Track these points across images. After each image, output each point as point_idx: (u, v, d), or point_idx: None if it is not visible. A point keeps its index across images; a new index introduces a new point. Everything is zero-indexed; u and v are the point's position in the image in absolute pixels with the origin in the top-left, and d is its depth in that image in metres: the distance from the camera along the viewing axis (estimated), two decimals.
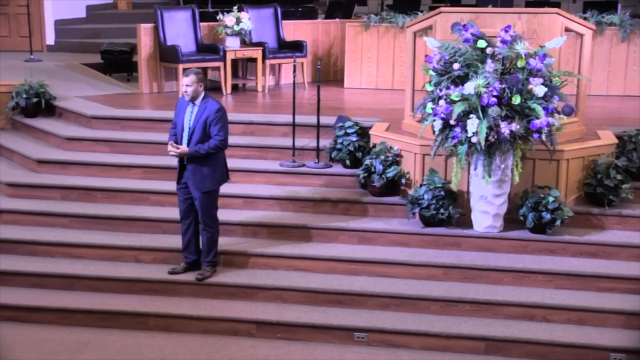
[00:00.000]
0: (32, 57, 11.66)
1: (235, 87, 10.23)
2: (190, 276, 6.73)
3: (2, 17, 12.84)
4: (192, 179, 6.53)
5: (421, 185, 6.93)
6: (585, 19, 9.36)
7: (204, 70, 10.00)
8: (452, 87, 6.37)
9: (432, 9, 10.71)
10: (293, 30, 10.64)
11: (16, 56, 11.97)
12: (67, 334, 6.47)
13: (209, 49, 9.84)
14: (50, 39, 12.92)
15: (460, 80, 6.38)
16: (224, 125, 6.51)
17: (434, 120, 6.44)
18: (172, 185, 6.90)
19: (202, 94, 6.50)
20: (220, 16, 9.99)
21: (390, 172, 7.11)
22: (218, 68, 9.85)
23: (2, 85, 9.43)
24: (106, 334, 6.46)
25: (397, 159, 7.25)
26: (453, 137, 6.36)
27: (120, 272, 6.87)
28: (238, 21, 9.87)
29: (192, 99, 6.47)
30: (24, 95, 9.01)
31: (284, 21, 10.47)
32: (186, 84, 6.45)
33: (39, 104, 9.03)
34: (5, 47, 12.78)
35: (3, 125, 9.27)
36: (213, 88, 10.10)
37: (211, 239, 6.69)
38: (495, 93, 6.21)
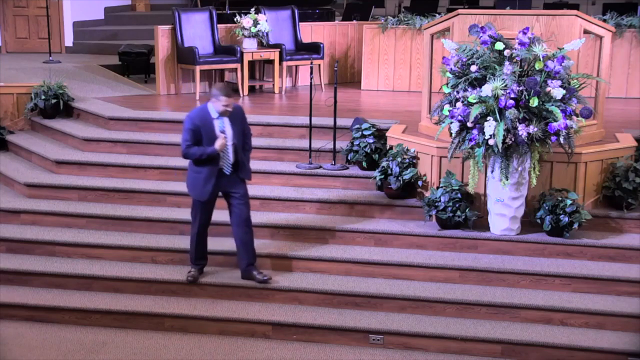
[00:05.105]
0: (51, 58, 11.74)
1: (252, 89, 10.25)
2: (207, 278, 6.75)
3: (22, 19, 12.95)
4: (239, 177, 6.51)
5: (438, 188, 6.91)
6: (604, 20, 9.31)
7: (221, 71, 10.05)
8: (469, 89, 6.35)
9: (449, 10, 10.75)
10: (310, 32, 10.65)
11: (35, 58, 12.08)
12: (85, 334, 6.51)
13: (227, 50, 9.86)
14: (68, 40, 13.01)
15: (478, 82, 6.36)
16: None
17: (451, 123, 6.43)
18: None
19: None
20: (237, 18, 10.02)
21: (407, 174, 7.10)
22: (235, 70, 9.88)
23: (21, 86, 9.51)
24: (123, 334, 6.50)
25: (414, 161, 7.24)
26: (470, 140, 6.34)
27: (138, 273, 6.91)
28: (255, 23, 9.89)
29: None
30: (43, 97, 9.07)
31: (301, 23, 10.48)
32: (229, 103, 6.31)
33: (58, 105, 9.09)
34: (25, 49, 12.91)
35: (22, 126, 9.34)
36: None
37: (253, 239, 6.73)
38: (512, 95, 6.19)
